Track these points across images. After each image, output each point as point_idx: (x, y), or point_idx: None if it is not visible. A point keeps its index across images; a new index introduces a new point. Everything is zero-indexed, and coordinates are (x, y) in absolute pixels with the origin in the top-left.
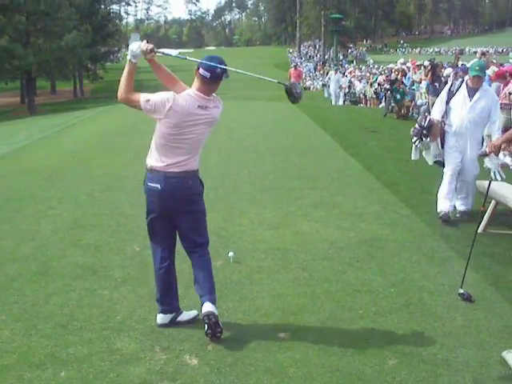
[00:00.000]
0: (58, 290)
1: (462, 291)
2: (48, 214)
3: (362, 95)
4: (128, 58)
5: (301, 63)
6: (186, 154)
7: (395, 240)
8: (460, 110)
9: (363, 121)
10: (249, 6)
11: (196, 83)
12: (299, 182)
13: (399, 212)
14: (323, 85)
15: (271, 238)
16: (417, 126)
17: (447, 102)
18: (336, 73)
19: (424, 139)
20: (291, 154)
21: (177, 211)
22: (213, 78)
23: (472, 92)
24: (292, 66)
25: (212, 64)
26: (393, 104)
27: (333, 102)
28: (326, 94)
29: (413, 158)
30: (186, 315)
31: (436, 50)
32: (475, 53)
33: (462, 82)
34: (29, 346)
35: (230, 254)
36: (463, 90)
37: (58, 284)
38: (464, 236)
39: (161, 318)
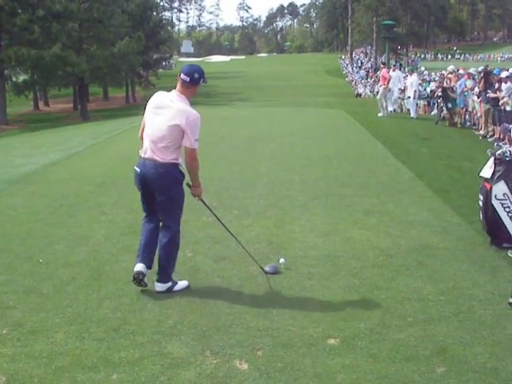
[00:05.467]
0: (110, 295)
1: None
2: (101, 219)
3: None
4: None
5: (352, 70)
6: None
7: (445, 248)
8: None
9: (414, 128)
10: (300, 12)
11: (178, 86)
12: (350, 189)
13: (450, 220)
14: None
15: (322, 244)
16: None
17: None
18: (412, 74)
19: None
20: (342, 161)
21: None
22: (191, 82)
23: None
24: (382, 66)
25: (192, 70)
26: (445, 111)
27: (412, 114)
28: (406, 106)
29: None
30: (180, 285)
31: (489, 56)
32: None
33: None
34: (82, 349)
35: (281, 260)
36: None
37: (111, 288)
38: None
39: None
